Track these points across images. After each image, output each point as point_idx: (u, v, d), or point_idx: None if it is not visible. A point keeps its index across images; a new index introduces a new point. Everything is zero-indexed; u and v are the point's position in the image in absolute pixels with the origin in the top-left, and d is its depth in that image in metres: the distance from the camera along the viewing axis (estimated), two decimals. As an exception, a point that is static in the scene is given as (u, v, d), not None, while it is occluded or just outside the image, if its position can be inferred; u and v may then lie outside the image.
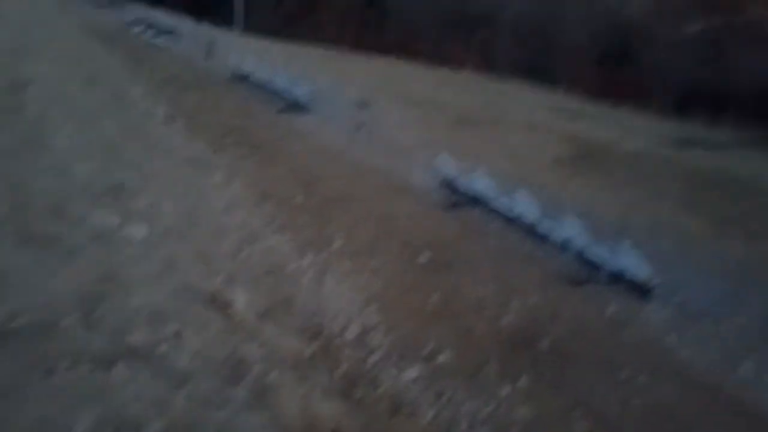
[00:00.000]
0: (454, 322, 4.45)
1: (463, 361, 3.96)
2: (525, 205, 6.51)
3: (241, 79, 11.98)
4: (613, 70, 28.35)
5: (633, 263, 5.41)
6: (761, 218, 7.42)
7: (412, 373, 3.71)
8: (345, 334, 3.84)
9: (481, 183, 7.13)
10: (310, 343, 3.42)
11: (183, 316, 2.76)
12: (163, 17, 17.18)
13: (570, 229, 5.98)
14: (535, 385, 3.84)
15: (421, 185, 7.51)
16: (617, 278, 5.47)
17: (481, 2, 24.97)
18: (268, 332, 3.20)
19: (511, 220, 6.56)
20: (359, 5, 26.38)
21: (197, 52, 13.62)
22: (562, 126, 12.06)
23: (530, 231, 6.35)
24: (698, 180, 9.06)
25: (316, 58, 15.67)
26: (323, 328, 3.73)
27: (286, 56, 14.35)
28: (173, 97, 9.67)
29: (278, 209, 6.01)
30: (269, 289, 3.92)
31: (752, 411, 3.97)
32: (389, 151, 8.68)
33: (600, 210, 6.98)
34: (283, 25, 23.65)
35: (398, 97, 12.65)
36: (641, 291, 5.33)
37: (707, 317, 4.94)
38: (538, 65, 22.91)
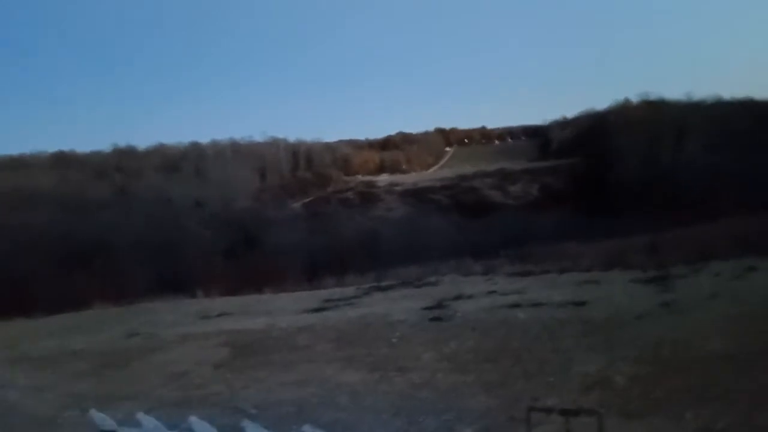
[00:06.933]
0: None
1: None
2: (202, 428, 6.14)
3: None
4: (240, 260, 30.27)
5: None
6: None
7: None
8: None
9: (148, 424, 6.48)
10: None
11: None
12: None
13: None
14: None
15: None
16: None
17: (90, 231, 24.07)
18: None
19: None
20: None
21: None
22: (211, 328, 12.11)
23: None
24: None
25: None
26: None
27: None
28: None
29: None
30: None
31: None
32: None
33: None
34: None
35: (19, 359, 11.01)
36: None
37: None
38: (169, 278, 22.87)
